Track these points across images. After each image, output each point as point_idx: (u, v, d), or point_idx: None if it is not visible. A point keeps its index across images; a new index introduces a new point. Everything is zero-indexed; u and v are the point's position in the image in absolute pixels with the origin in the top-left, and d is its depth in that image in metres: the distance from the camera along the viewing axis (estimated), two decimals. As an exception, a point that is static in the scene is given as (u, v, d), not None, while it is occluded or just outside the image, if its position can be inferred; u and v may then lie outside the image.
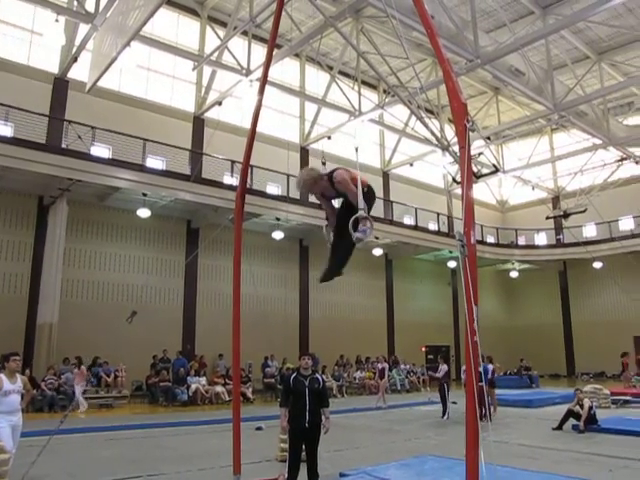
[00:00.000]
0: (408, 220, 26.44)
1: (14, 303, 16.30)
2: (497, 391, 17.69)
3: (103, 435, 10.79)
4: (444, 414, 13.70)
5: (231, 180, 19.34)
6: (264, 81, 6.60)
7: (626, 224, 27.73)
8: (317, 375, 6.27)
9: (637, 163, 26.13)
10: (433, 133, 16.04)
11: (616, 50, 23.04)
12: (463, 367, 15.05)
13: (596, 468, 7.96)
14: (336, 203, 5.52)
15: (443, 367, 14.46)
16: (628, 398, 16.46)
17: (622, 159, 25.05)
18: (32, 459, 6.10)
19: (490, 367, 14.59)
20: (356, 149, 5.59)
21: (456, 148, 3.98)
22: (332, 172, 5.05)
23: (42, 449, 6.09)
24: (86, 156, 16.39)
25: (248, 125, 6.56)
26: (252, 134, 6.40)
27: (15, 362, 6.36)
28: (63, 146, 16.59)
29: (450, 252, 25.60)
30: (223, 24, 20.56)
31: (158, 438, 10.79)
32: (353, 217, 4.73)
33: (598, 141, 23.98)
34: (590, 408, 11.43)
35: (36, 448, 6.28)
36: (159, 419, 13.15)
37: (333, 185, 5.06)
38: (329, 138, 23.17)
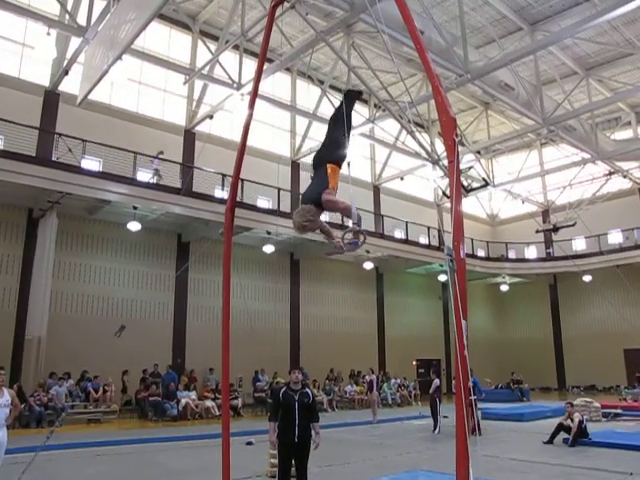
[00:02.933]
0: (399, 234, 26.47)
1: (2, 317, 16.12)
2: (488, 405, 17.75)
3: (91, 451, 10.66)
4: (435, 428, 13.66)
5: (222, 194, 19.32)
6: (254, 95, 6.61)
7: (615, 238, 27.93)
8: (307, 389, 6.24)
9: (625, 177, 26.43)
10: (423, 147, 16.15)
11: (603, 66, 23.36)
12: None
13: (587, 482, 7.96)
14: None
15: (435, 381, 14.44)
16: (619, 411, 16.50)
17: (610, 173, 25.33)
18: (17, 477, 6.00)
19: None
20: (348, 163, 5.54)
21: (446, 162, 4.00)
22: (319, 199, 5.00)
23: (27, 466, 6.00)
24: (76, 169, 16.34)
25: (239, 139, 6.56)
26: (242, 148, 6.40)
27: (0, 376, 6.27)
28: (53, 159, 16.53)
29: (441, 266, 25.64)
30: (215, 38, 20.65)
31: (147, 454, 10.69)
32: (346, 230, 4.85)
33: (587, 155, 24.20)
34: (580, 422, 11.45)
35: (21, 465, 6.19)
36: (148, 434, 13.01)
37: (322, 208, 5.04)
38: (320, 152, 23.20)
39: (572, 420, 11.54)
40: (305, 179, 24.17)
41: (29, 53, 18.01)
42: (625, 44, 21.03)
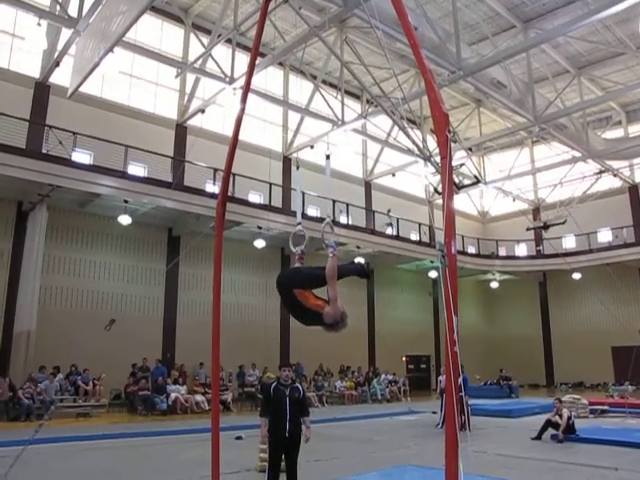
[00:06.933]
0: (390, 230, 26.50)
1: (-10, 310, 16.04)
2: (477, 401, 17.85)
3: (80, 445, 10.62)
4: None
5: (213, 188, 19.27)
6: (247, 89, 6.59)
7: (604, 236, 28.12)
8: (297, 384, 6.25)
9: (615, 176, 26.60)
10: (415, 143, 16.12)
11: (595, 65, 23.52)
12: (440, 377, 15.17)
13: (574, 477, 8.02)
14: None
15: (442, 377, 14.51)
16: (606, 408, 16.63)
17: (600, 172, 25.48)
18: (4, 470, 5.97)
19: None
20: (327, 156, 5.76)
21: (438, 158, 4.01)
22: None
23: (15, 460, 5.96)
24: (67, 162, 16.22)
25: (231, 133, 6.53)
26: (234, 142, 6.38)
27: None
28: (44, 151, 16.40)
29: (431, 262, 25.73)
30: (207, 32, 20.56)
31: (136, 448, 10.65)
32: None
33: (577, 154, 24.36)
34: (569, 418, 11.53)
35: (9, 459, 6.15)
36: (137, 428, 12.97)
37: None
38: (312, 147, 23.21)
39: (560, 416, 11.63)
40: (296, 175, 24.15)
41: (19, 44, 17.81)
42: (617, 43, 21.15)
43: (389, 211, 25.23)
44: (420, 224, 27.29)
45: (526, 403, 19.08)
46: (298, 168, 6.35)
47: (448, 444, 3.50)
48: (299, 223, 5.68)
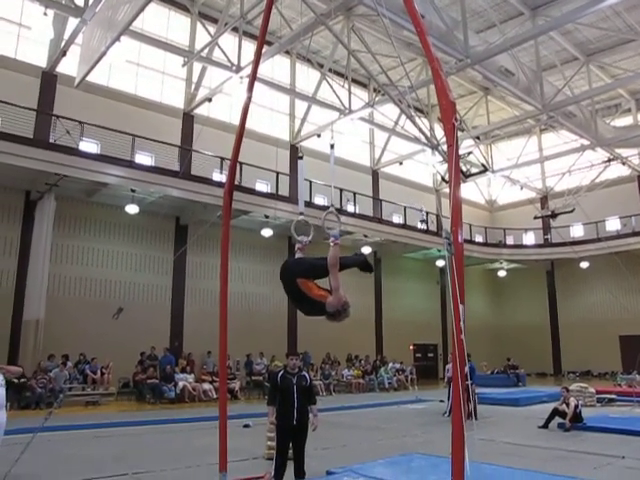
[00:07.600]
0: (397, 219, 26.47)
1: (0, 299, 16.16)
2: (485, 389, 17.91)
3: (89, 432, 10.72)
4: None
5: (220, 177, 19.26)
6: (253, 78, 6.58)
7: (612, 224, 27.97)
8: (304, 373, 6.28)
9: (624, 164, 26.40)
10: (422, 132, 16.04)
11: (604, 52, 23.25)
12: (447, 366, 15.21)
13: (581, 466, 8.03)
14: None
15: (449, 366, 14.53)
16: (613, 396, 16.64)
17: (609, 160, 25.29)
18: (15, 457, 6.04)
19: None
20: (331, 145, 5.80)
21: (445, 147, 3.99)
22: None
23: (26, 446, 6.02)
24: (74, 151, 16.25)
25: (237, 122, 6.53)
26: (241, 131, 6.38)
27: None
28: (51, 141, 16.43)
29: (439, 251, 25.68)
30: (214, 20, 20.46)
31: (144, 435, 10.76)
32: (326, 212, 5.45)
33: (586, 142, 24.17)
34: (576, 407, 11.53)
35: (20, 446, 6.22)
36: (146, 416, 13.08)
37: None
38: (319, 136, 23.14)
39: (567, 405, 11.63)
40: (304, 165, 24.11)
41: (26, 33, 17.80)
42: (627, 30, 20.91)
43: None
44: (427, 213, 27.23)
45: (533, 392, 19.10)
46: (302, 158, 6.33)
47: (455, 432, 3.52)
48: (301, 213, 5.69)
